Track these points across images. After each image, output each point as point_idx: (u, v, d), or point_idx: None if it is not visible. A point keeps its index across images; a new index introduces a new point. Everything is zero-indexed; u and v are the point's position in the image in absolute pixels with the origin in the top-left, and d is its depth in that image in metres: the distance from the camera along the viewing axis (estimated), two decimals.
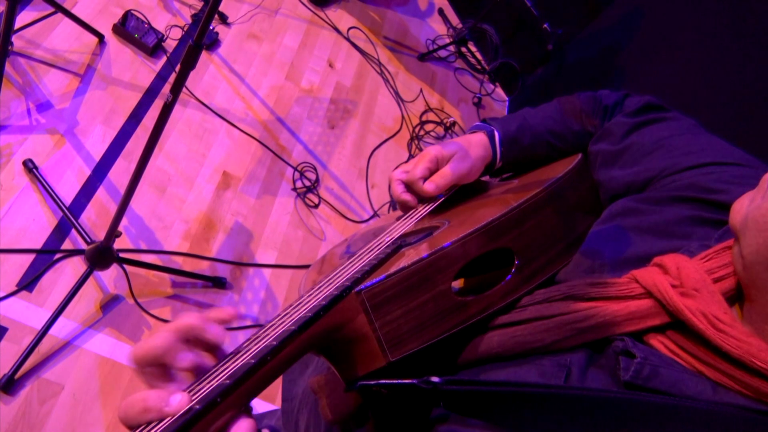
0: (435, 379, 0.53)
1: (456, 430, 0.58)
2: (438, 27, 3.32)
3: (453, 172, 0.79)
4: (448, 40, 3.19)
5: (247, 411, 0.49)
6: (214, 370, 0.50)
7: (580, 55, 2.77)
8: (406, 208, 0.84)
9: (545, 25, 2.67)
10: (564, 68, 2.85)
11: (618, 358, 0.52)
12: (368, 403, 0.66)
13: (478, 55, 3.29)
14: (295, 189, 2.33)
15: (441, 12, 3.36)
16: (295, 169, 2.37)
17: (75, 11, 2.12)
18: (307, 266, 2.19)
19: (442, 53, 3.18)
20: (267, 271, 2.11)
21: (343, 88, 2.74)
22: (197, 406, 0.44)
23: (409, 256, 0.61)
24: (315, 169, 2.42)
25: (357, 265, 0.64)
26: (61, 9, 2.01)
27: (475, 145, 0.83)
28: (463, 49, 3.23)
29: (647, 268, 0.57)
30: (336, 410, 0.65)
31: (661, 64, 2.24)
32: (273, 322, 0.55)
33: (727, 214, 0.55)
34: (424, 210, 0.81)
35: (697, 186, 0.65)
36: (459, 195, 0.85)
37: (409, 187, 0.81)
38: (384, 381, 0.57)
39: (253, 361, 0.49)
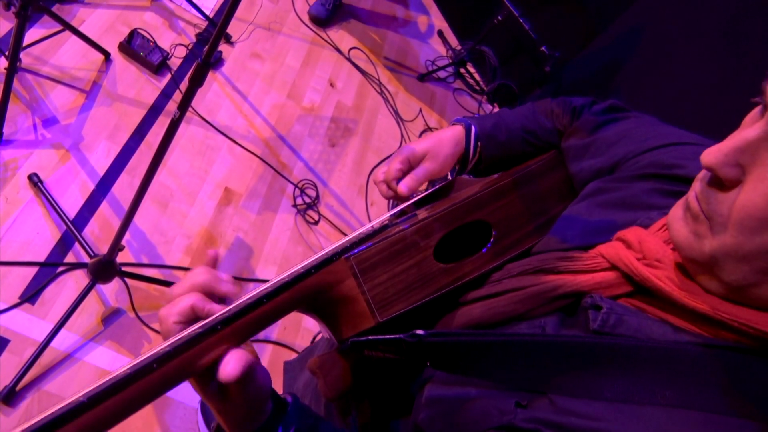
0: (420, 331, 0.57)
1: (440, 391, 0.63)
2: (438, 48, 3.38)
3: (424, 173, 0.86)
4: (447, 62, 3.24)
5: (249, 347, 0.56)
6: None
7: (576, 77, 2.82)
8: (398, 203, 0.91)
9: (543, 48, 2.71)
10: (561, 90, 2.89)
11: (587, 312, 0.57)
12: (361, 375, 0.71)
13: (477, 77, 3.34)
14: (295, 206, 2.36)
15: (441, 34, 3.42)
16: (296, 186, 2.40)
17: (82, 29, 2.16)
18: None
19: (442, 74, 3.23)
20: None
21: (343, 107, 2.79)
22: (200, 330, 0.51)
23: (394, 230, 0.67)
24: (315, 186, 2.45)
25: (346, 239, 0.70)
26: (68, 27, 2.05)
27: (446, 141, 0.89)
28: (462, 71, 3.28)
29: (611, 243, 0.63)
30: (333, 387, 0.71)
31: (655, 85, 2.28)
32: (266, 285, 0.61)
33: (685, 186, 0.59)
34: (411, 200, 0.87)
35: (658, 163, 0.71)
36: (443, 191, 0.91)
37: (388, 185, 0.87)
38: (373, 337, 0.62)
39: (250, 301, 0.55)
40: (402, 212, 0.83)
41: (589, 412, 0.51)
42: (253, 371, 0.54)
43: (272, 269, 2.17)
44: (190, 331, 0.52)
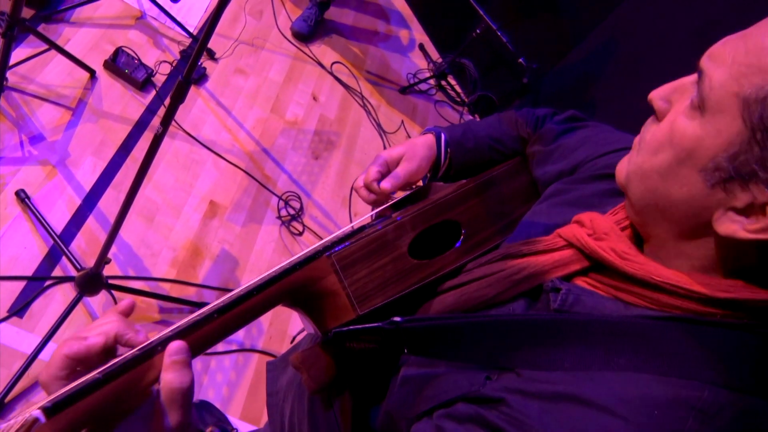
0: (397, 318, 0.64)
1: (413, 371, 0.69)
2: (419, 61, 3.44)
3: (404, 173, 0.92)
4: (428, 74, 3.31)
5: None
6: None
7: (554, 88, 2.89)
8: (378, 207, 0.97)
9: (521, 60, 2.78)
10: (540, 100, 2.96)
11: (549, 295, 0.64)
12: (342, 368, 0.76)
13: (458, 88, 3.41)
14: (279, 217, 2.40)
15: (422, 47, 3.49)
16: (280, 198, 2.44)
17: (68, 48, 2.20)
18: None
19: (423, 86, 3.29)
20: None
21: (326, 120, 2.84)
22: (197, 318, 0.56)
23: (372, 230, 0.73)
24: (299, 198, 2.50)
25: (328, 238, 0.76)
26: (54, 46, 2.10)
27: (420, 146, 0.95)
28: (443, 83, 3.35)
29: (568, 225, 0.70)
30: (316, 380, 0.76)
31: (629, 96, 2.35)
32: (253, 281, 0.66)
33: None
34: (388, 204, 0.93)
35: (612, 165, 0.76)
36: (417, 197, 0.96)
37: (369, 189, 0.93)
38: (353, 327, 0.68)
39: (242, 292, 0.61)
40: (379, 215, 0.89)
41: (550, 379, 0.57)
42: (192, 391, 0.56)
43: (253, 278, 2.20)
44: (188, 318, 0.57)
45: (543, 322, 0.61)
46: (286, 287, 0.67)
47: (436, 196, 0.80)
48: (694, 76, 0.56)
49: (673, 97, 0.60)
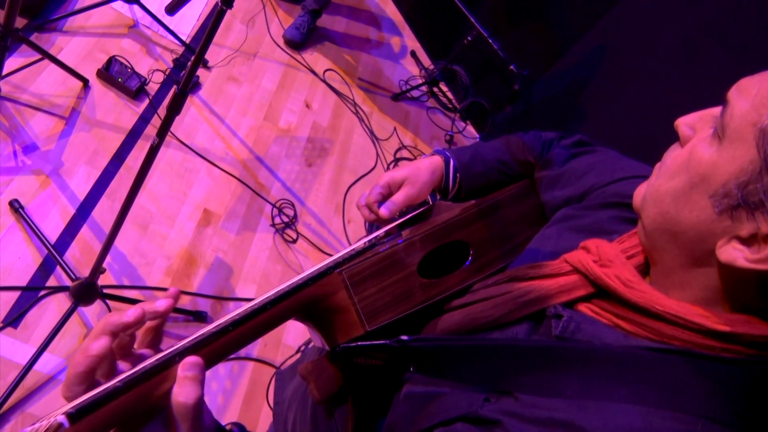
0: (404, 337, 0.66)
1: (417, 388, 0.70)
2: (411, 68, 3.47)
3: (404, 198, 0.93)
4: (420, 81, 3.33)
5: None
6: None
7: (545, 94, 2.92)
8: (383, 225, 0.97)
9: (512, 67, 2.80)
10: (531, 106, 2.99)
11: (551, 321, 0.65)
12: (348, 380, 0.78)
13: (450, 95, 3.43)
14: (273, 225, 2.41)
15: (413, 54, 3.51)
16: (274, 205, 2.45)
17: (61, 57, 2.21)
18: None
19: (415, 93, 3.31)
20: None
21: (319, 127, 2.85)
22: (214, 329, 0.59)
23: (383, 248, 0.75)
24: (293, 205, 2.50)
25: (338, 255, 0.77)
26: (47, 55, 2.10)
27: (424, 170, 0.96)
28: (435, 89, 3.37)
29: (575, 251, 0.71)
30: (322, 391, 0.78)
31: (618, 102, 2.38)
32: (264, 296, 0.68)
33: None
34: (393, 223, 0.94)
35: (621, 194, 0.79)
36: (425, 215, 0.97)
37: (370, 209, 0.94)
38: (362, 343, 0.70)
39: (256, 306, 0.62)
40: (388, 233, 0.89)
41: (548, 405, 0.57)
42: (201, 404, 0.56)
43: (252, 288, 2.21)
44: (205, 330, 0.59)
45: (544, 349, 0.62)
46: (299, 302, 0.68)
47: (444, 217, 0.82)
48: (720, 108, 0.57)
49: (698, 125, 0.61)
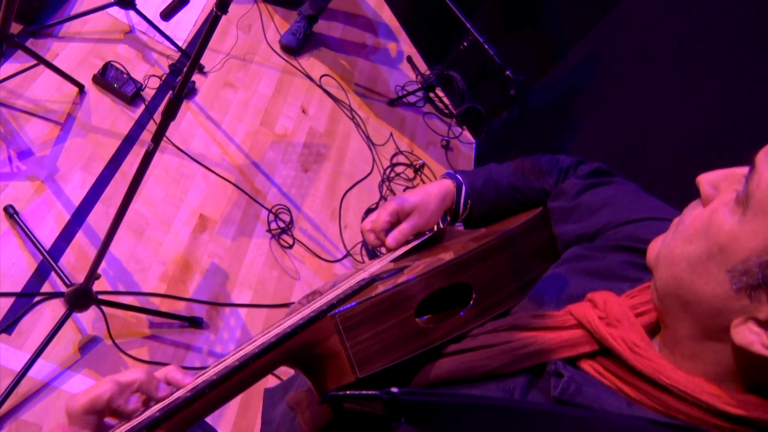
0: (394, 389, 0.61)
1: None
2: (407, 74, 3.47)
3: (411, 228, 0.90)
4: (416, 86, 3.34)
5: None
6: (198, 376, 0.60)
7: (541, 99, 2.92)
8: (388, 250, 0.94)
9: (508, 72, 2.81)
10: (527, 111, 3.00)
11: (551, 378, 0.61)
12: (338, 419, 0.74)
13: (446, 100, 3.44)
14: (269, 230, 2.41)
15: (410, 59, 3.52)
16: (270, 211, 2.45)
17: (56, 62, 2.21)
18: (282, 305, 2.25)
19: (411, 98, 3.32)
20: (243, 311, 2.17)
21: (315, 133, 2.85)
22: (188, 394, 0.56)
23: (380, 288, 0.69)
24: (289, 210, 2.50)
25: (334, 293, 0.73)
26: (42, 61, 2.10)
27: (434, 196, 0.93)
28: (431, 95, 3.38)
29: (581, 303, 0.66)
30: (309, 425, 0.74)
31: (613, 107, 2.38)
32: (250, 342, 0.65)
33: None
34: (398, 252, 0.90)
35: (634, 237, 0.75)
36: (433, 241, 0.94)
37: (377, 235, 0.91)
38: (351, 392, 0.66)
39: (237, 363, 0.59)
40: (389, 269, 0.85)
41: None
42: None
43: (248, 293, 2.21)
44: (177, 396, 0.57)
45: (541, 413, 0.58)
46: (286, 352, 0.64)
47: (450, 252, 0.78)
48: (747, 168, 0.53)
49: (722, 184, 0.56)
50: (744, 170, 0.53)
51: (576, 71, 2.69)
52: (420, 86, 3.33)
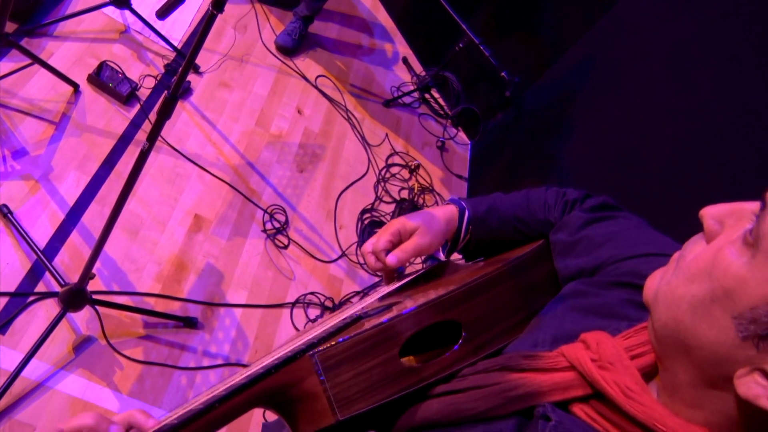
0: None
1: None
2: (402, 75, 3.47)
3: (414, 248, 0.87)
4: (412, 87, 3.34)
5: None
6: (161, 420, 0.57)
7: (536, 101, 2.93)
8: (387, 276, 0.92)
9: (503, 74, 2.82)
10: (522, 113, 3.00)
11: (538, 422, 0.58)
12: None
13: (441, 101, 3.44)
14: (265, 231, 2.40)
15: (405, 60, 3.52)
16: (265, 211, 2.45)
17: (51, 62, 2.20)
18: (277, 305, 2.25)
19: (407, 99, 3.32)
20: (238, 311, 2.16)
21: (311, 133, 2.85)
22: None
23: (366, 326, 0.66)
24: (284, 211, 2.50)
25: (316, 331, 0.70)
26: (37, 60, 2.09)
27: (438, 219, 0.91)
28: (427, 96, 3.38)
29: (574, 343, 0.64)
30: None
31: (611, 109, 2.39)
32: (229, 379, 0.62)
33: None
34: (392, 286, 0.88)
35: (635, 273, 0.72)
36: (432, 275, 0.92)
37: (377, 256, 0.88)
38: None
39: (201, 407, 0.56)
40: (379, 305, 0.81)
41: None
42: None
43: (243, 294, 2.21)
44: None
45: None
46: (258, 393, 0.62)
47: (441, 289, 0.74)
48: (756, 204, 0.50)
49: (727, 220, 0.52)
50: (752, 205, 0.50)
51: (571, 73, 2.70)
52: (415, 87, 3.33)
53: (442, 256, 0.95)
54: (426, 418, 0.66)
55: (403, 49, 3.61)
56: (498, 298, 0.74)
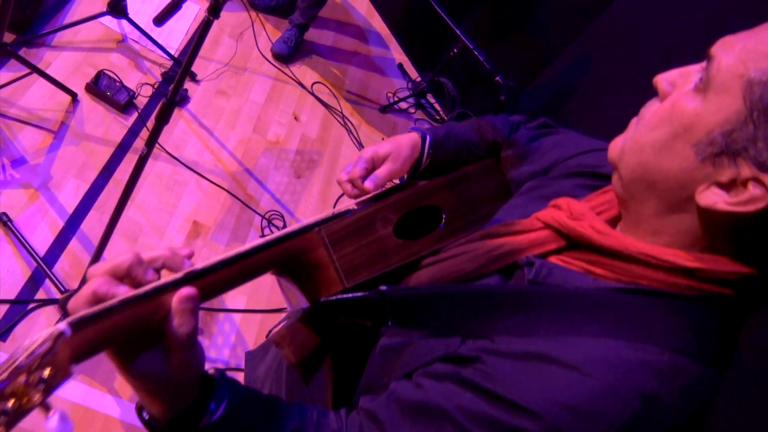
0: (383, 287, 0.69)
1: (392, 340, 0.74)
2: (398, 81, 3.50)
3: (387, 173, 0.95)
4: (407, 93, 3.36)
5: None
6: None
7: (531, 104, 2.95)
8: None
9: (498, 78, 2.84)
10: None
11: (523, 269, 0.69)
12: (324, 339, 0.81)
13: (437, 106, 3.46)
14: (263, 236, 2.41)
15: (400, 66, 3.54)
16: (263, 217, 2.46)
17: (49, 71, 2.22)
18: (276, 310, 2.26)
19: (403, 105, 3.34)
20: (237, 316, 2.17)
21: (308, 139, 2.87)
22: (206, 267, 0.60)
23: (361, 210, 0.79)
24: (282, 217, 2.52)
25: (318, 218, 0.80)
26: (36, 70, 2.11)
27: (404, 146, 0.99)
28: (423, 101, 3.40)
29: (546, 209, 0.75)
30: (297, 353, 0.81)
31: (604, 111, 2.41)
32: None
33: (604, 182, 0.77)
34: (369, 196, 0.97)
35: (584, 164, 0.85)
36: (399, 188, 1.02)
37: (353, 185, 0.96)
38: (342, 296, 0.73)
39: (230, 256, 0.64)
40: (363, 202, 0.93)
41: (524, 343, 0.61)
42: (196, 334, 0.58)
43: (242, 299, 2.22)
44: (182, 273, 0.59)
45: (518, 292, 0.66)
46: (278, 255, 0.71)
47: (419, 186, 0.86)
48: (699, 64, 0.61)
49: (678, 81, 0.63)
50: (696, 67, 0.62)
51: (565, 76, 2.73)
52: (411, 93, 3.35)
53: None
54: (420, 284, 0.77)
55: (399, 55, 3.64)
56: (464, 194, 0.89)
